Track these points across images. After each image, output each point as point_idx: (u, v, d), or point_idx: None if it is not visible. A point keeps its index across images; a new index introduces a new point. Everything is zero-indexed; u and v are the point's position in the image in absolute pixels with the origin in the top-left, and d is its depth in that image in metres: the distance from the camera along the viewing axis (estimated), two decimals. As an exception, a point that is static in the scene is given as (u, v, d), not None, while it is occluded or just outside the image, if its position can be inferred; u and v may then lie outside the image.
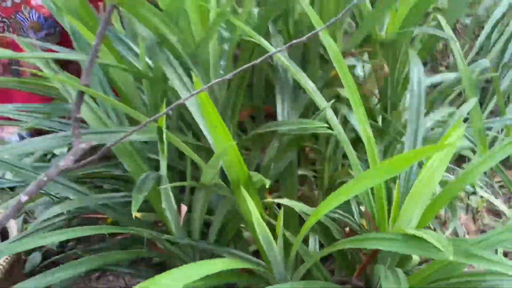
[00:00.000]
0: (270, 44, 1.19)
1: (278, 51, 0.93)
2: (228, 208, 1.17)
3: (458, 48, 1.23)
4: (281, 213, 1.06)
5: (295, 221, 1.25)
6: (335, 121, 1.14)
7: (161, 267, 1.44)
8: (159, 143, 1.03)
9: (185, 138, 1.20)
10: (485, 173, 1.94)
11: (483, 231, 1.78)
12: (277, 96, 1.25)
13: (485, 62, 1.43)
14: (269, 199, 1.15)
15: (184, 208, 1.15)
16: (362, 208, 1.17)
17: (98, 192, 1.32)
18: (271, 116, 1.41)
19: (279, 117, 1.22)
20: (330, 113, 1.14)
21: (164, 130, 1.01)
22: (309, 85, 1.14)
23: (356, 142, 1.38)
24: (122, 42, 1.23)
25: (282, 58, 1.15)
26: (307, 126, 1.15)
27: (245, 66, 0.91)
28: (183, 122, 1.27)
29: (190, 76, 1.12)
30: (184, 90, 1.10)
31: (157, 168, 1.12)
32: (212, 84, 1.19)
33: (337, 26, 1.36)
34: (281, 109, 1.23)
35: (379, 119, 1.50)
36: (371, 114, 1.45)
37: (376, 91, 1.45)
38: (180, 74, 1.12)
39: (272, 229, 1.09)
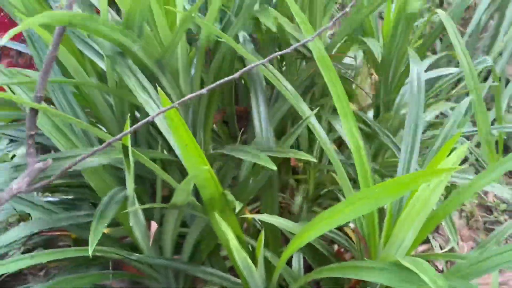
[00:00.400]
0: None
1: (262, 62, 0.81)
2: (202, 225, 1.07)
3: (463, 48, 1.11)
4: (261, 236, 0.96)
5: (275, 233, 1.16)
6: (319, 129, 1.03)
7: (133, 281, 1.33)
8: (125, 161, 0.92)
9: (154, 152, 1.08)
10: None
11: (476, 241, 1.70)
12: (252, 106, 1.13)
13: (488, 61, 1.32)
14: (248, 215, 1.04)
15: (154, 225, 1.04)
16: (352, 225, 1.08)
17: (62, 203, 1.21)
18: (245, 116, 1.31)
19: (257, 129, 1.11)
20: (313, 121, 1.04)
21: (130, 148, 0.89)
22: (291, 92, 1.03)
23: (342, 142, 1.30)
24: (84, 42, 1.10)
25: (271, 68, 1.04)
26: (287, 156, 1.04)
27: (224, 80, 0.79)
28: (153, 127, 1.15)
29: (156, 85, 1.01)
30: (151, 101, 0.99)
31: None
32: (182, 91, 1.09)
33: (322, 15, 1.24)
34: (258, 122, 1.12)
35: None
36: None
37: (367, 89, 1.34)
38: (145, 86, 0.99)
39: (251, 245, 1.00)
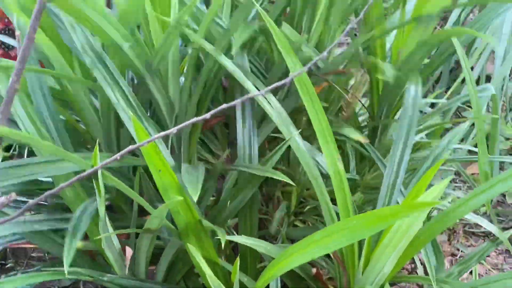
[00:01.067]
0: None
1: (259, 94, 0.78)
2: (178, 245, 1.04)
3: (472, 78, 1.09)
4: (236, 262, 0.93)
5: (254, 252, 1.13)
6: (303, 150, 1.00)
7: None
8: (95, 183, 0.88)
9: (136, 159, 1.04)
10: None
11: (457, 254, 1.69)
12: (237, 120, 1.10)
13: (490, 89, 1.29)
14: (225, 237, 1.01)
15: (129, 251, 1.01)
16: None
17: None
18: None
19: (239, 144, 1.08)
20: (298, 141, 1.01)
21: (100, 173, 0.85)
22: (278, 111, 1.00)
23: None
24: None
25: (271, 101, 1.01)
26: (265, 175, 1.00)
27: (219, 108, 0.74)
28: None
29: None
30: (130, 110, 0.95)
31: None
32: (171, 98, 1.06)
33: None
34: (242, 137, 1.09)
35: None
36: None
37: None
38: (130, 100, 0.96)
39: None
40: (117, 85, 0.97)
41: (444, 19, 2.28)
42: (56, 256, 1.08)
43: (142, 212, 1.07)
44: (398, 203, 1.10)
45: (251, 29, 1.07)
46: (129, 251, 0.99)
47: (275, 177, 0.98)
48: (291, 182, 0.98)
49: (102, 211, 0.90)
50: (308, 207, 1.33)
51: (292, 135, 1.00)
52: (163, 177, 0.84)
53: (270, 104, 1.02)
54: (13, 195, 0.78)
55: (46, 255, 1.37)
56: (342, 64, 1.22)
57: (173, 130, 0.66)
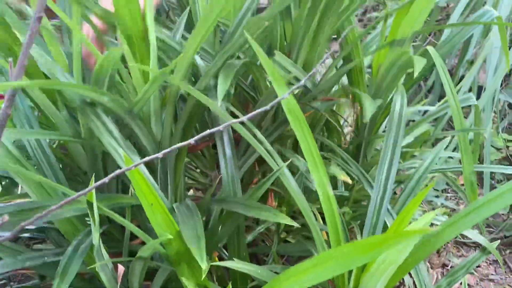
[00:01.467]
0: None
1: (239, 121, 0.79)
2: (169, 271, 1.05)
3: (452, 88, 1.10)
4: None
5: (243, 274, 1.15)
6: (291, 182, 1.02)
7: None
8: (90, 214, 0.90)
9: (124, 197, 1.05)
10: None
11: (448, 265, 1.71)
12: (218, 151, 1.11)
13: (472, 99, 1.31)
14: (216, 262, 1.03)
15: (121, 269, 1.02)
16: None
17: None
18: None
19: (223, 175, 1.10)
20: (286, 173, 1.02)
21: (95, 203, 0.87)
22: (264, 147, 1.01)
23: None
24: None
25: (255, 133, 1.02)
26: (249, 215, 1.02)
27: (201, 135, 0.76)
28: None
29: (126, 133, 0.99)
30: (121, 150, 0.96)
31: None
32: (155, 135, 1.07)
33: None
34: (225, 169, 1.10)
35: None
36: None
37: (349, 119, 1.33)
38: (116, 137, 0.97)
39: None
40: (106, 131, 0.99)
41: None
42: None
43: (134, 235, 1.08)
44: (385, 223, 1.12)
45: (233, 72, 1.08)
46: (121, 268, 1.00)
47: (260, 217, 1.00)
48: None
49: (96, 238, 0.91)
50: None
51: (280, 167, 1.02)
52: (155, 211, 0.85)
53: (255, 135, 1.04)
54: (6, 218, 0.80)
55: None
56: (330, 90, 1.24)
57: (159, 154, 0.67)
